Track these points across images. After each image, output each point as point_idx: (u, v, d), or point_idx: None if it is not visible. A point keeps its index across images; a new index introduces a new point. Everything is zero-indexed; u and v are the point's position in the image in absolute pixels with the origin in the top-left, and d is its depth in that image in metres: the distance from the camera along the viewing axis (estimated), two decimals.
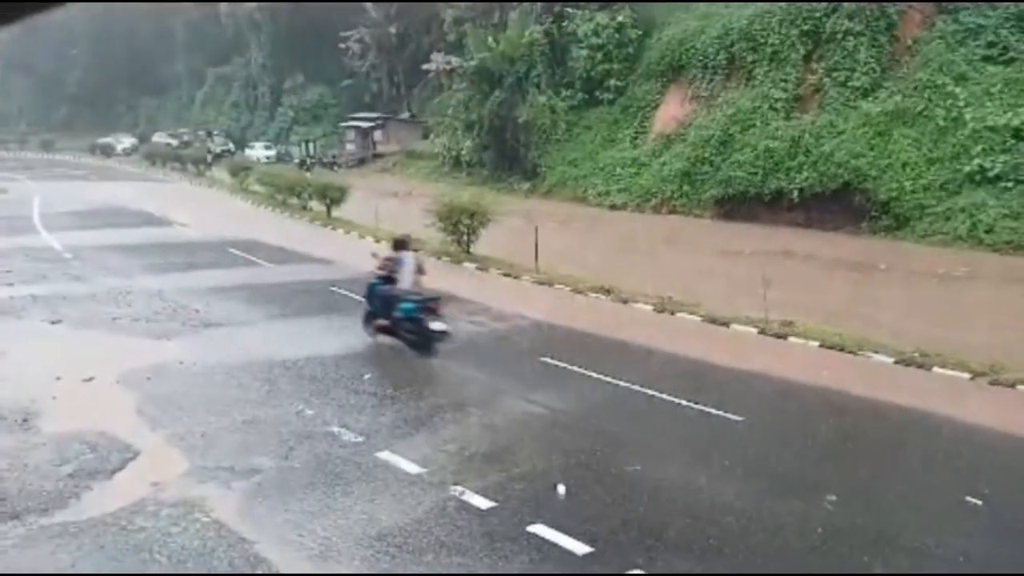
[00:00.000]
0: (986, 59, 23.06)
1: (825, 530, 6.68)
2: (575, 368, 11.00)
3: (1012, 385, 10.12)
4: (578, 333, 13.21)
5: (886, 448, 8.69)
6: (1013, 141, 20.94)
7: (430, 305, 11.44)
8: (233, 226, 25.68)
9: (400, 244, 12.28)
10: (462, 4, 42.54)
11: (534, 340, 12.79)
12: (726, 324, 13.47)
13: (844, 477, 7.80)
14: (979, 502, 7.06)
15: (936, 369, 10.83)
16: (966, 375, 10.55)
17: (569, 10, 34.82)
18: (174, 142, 61.27)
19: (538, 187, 33.06)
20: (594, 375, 10.71)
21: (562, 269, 17.25)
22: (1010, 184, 20.35)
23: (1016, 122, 21.08)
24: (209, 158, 49.10)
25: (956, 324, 12.80)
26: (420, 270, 12.03)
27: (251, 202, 34.02)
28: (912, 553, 6.36)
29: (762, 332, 12.90)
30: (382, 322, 11.94)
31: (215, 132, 60.40)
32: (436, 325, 11.30)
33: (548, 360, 11.40)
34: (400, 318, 11.57)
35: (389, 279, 11.94)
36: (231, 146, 57.60)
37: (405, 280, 11.71)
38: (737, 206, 25.45)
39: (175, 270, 18.64)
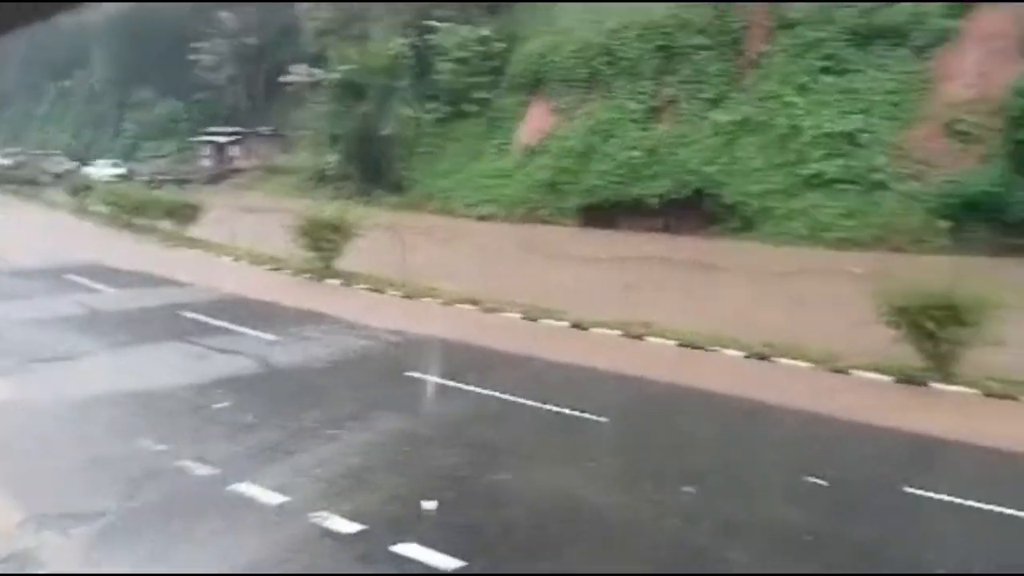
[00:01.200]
0: (823, 71, 24.89)
1: (684, 518, 6.95)
2: (443, 380, 10.90)
3: (847, 371, 10.92)
4: (446, 345, 13.11)
5: (738, 438, 9.11)
6: (847, 146, 22.72)
7: None
8: (72, 250, 23.95)
9: None
10: (324, 15, 41.76)
11: (400, 355, 12.59)
12: (591, 328, 13.77)
13: (701, 468, 8.10)
14: (823, 482, 7.54)
15: (781, 360, 11.53)
16: (807, 364, 11.29)
17: (434, 23, 34.88)
18: (7, 162, 56.61)
19: (406, 200, 32.84)
20: (462, 386, 10.65)
21: (430, 282, 17.13)
22: (845, 186, 22.06)
23: (850, 128, 22.88)
24: (48, 178, 45.69)
25: (794, 316, 13.71)
26: None
27: (94, 223, 31.89)
28: (763, 532, 6.70)
29: (625, 334, 13.27)
30: None
31: (54, 151, 56.28)
32: None
33: (415, 374, 11.24)
34: None
35: None
36: (73, 164, 53.82)
37: None
38: (600, 214, 26.23)
39: (5, 300, 17.13)
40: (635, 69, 28.30)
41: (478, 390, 10.48)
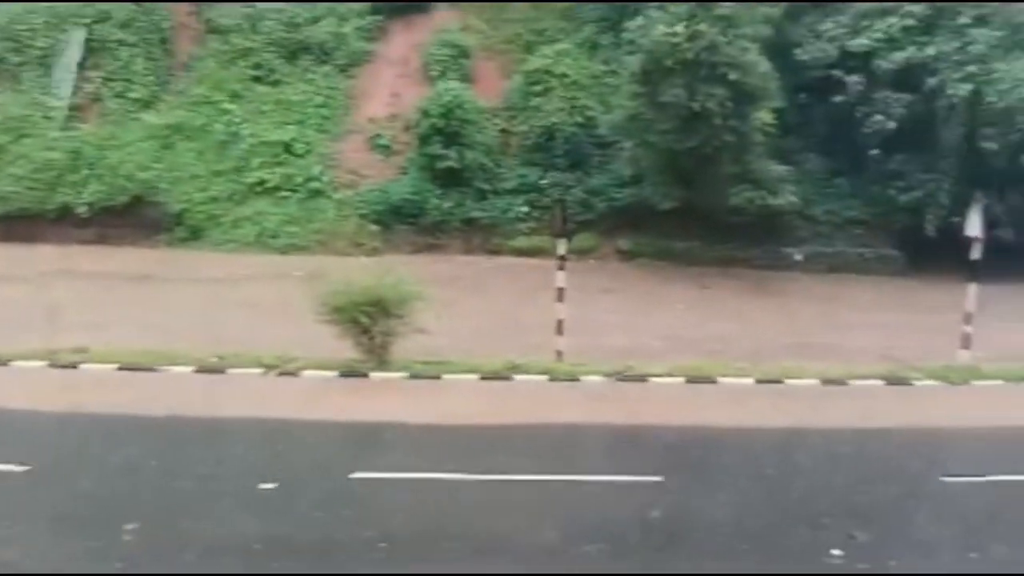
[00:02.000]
0: (256, 79, 25.26)
1: (126, 562, 6.34)
2: None
3: (296, 373, 11.36)
4: None
5: (188, 461, 8.67)
6: (285, 155, 23.56)
7: None
8: None
9: None
10: None
11: None
12: (7, 362, 11.65)
13: (147, 502, 7.49)
14: (273, 485, 7.66)
15: (233, 371, 11.40)
16: (259, 370, 11.40)
17: None
18: None
19: None
20: None
21: None
22: (287, 194, 22.88)
23: (286, 138, 23.74)
24: None
25: (246, 323, 13.79)
26: None
27: None
28: (212, 552, 6.48)
29: (53, 364, 11.57)
30: None
31: None
32: None
33: None
34: None
35: None
36: None
37: None
38: (19, 225, 22.38)
39: None
40: (49, 59, 24.87)
41: None
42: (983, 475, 8.41)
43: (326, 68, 25.40)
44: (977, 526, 7.44)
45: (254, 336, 12.75)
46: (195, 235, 22.21)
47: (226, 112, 24.21)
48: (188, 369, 11.44)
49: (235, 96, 24.68)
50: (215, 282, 17.77)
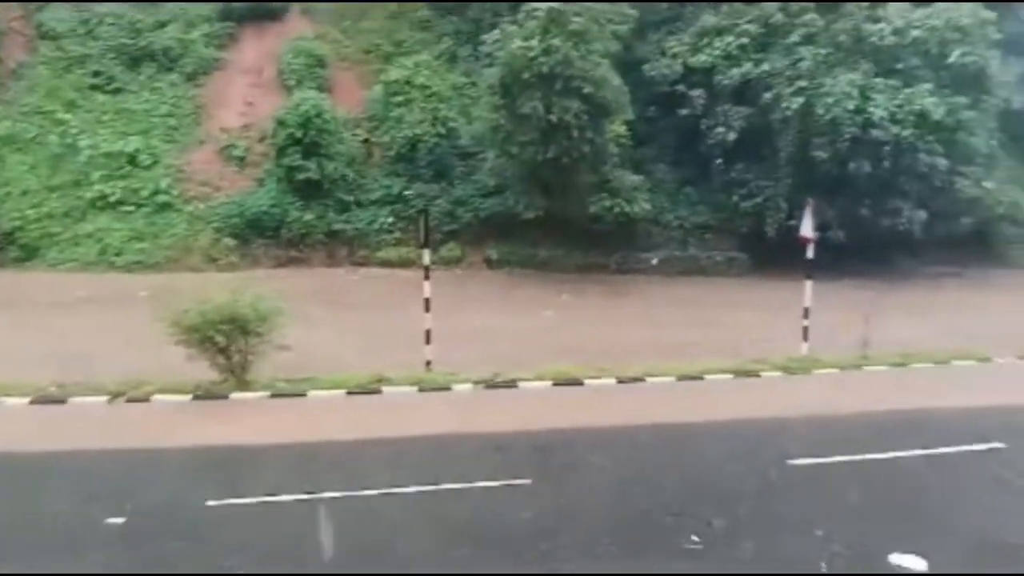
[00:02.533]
0: (94, 88, 23.80)
1: None
2: None
3: (147, 399, 10.68)
4: None
5: (27, 497, 7.97)
6: (129, 167, 22.23)
7: None
8: None
9: None
10: None
11: None
12: None
13: None
14: (121, 520, 7.18)
15: (75, 399, 10.59)
16: (103, 398, 10.64)
17: None
18: None
19: None
20: None
21: None
22: (131, 208, 21.58)
23: (129, 149, 22.42)
24: None
25: (92, 349, 12.82)
26: None
27: None
28: None
29: None
30: None
31: None
32: None
33: None
34: None
35: None
36: None
37: None
38: None
39: None
40: None
41: None
42: (825, 457, 9.06)
43: (172, 76, 24.25)
44: (821, 504, 8.01)
45: (98, 362, 11.86)
46: (29, 255, 20.53)
47: (61, 123, 22.62)
48: (23, 401, 10.52)
49: (71, 105, 23.11)
50: (53, 305, 16.47)
